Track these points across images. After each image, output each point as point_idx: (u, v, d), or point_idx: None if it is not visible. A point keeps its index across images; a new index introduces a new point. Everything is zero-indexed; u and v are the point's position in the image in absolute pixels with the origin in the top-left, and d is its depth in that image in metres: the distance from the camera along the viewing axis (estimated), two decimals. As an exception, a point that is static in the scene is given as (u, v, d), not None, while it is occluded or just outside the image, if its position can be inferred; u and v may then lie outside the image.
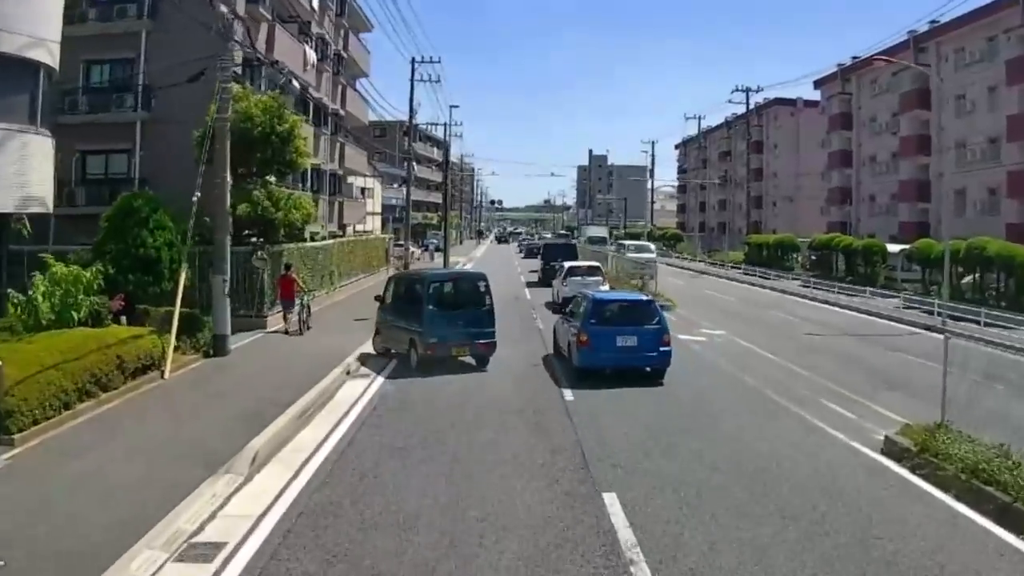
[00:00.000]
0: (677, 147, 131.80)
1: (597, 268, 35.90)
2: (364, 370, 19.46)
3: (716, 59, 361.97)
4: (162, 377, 17.64)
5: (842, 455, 12.43)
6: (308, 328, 25.82)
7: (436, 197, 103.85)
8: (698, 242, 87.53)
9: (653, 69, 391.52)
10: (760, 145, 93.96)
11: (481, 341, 19.48)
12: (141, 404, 15.17)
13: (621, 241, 73.05)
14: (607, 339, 17.86)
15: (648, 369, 18.11)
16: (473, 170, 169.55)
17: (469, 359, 19.91)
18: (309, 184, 40.33)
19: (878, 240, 48.51)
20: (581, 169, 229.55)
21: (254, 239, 26.79)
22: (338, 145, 46.50)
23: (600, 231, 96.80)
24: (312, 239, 39.35)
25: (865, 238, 52.56)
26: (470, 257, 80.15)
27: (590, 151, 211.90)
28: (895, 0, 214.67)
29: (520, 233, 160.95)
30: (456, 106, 68.33)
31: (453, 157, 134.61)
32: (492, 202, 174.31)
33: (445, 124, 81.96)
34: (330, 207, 44.69)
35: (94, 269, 18.36)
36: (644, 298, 20.54)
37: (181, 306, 21.49)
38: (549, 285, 38.37)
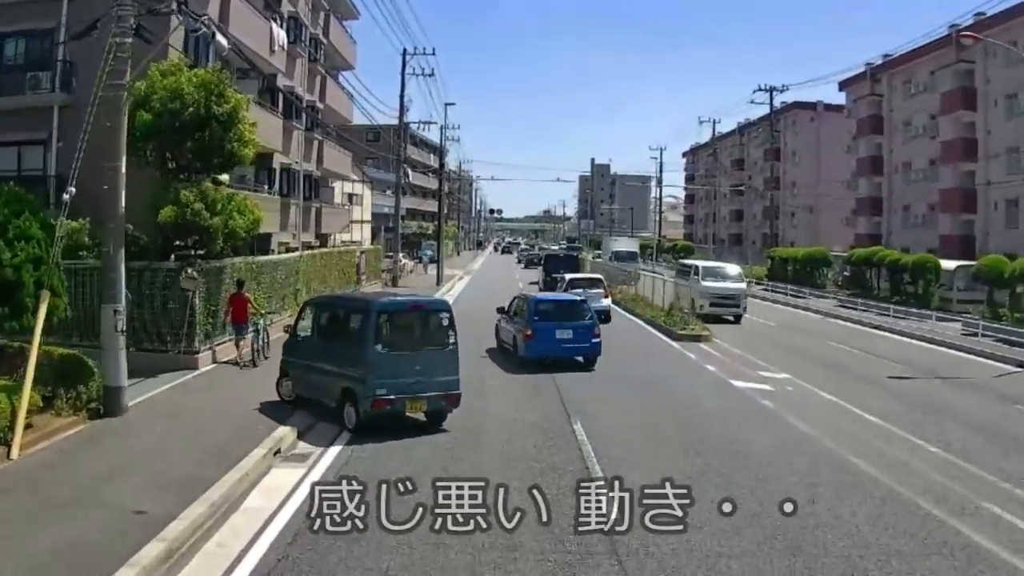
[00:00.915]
0: (685, 155, 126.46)
1: (599, 280, 34.95)
2: (304, 447, 13.57)
3: (717, 68, 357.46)
4: (8, 457, 11.94)
5: None
6: (264, 358, 20.94)
7: (432, 205, 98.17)
8: (712, 255, 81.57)
9: (655, 78, 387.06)
10: (777, 152, 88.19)
11: (443, 392, 14.33)
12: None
13: (688, 261, 44.48)
14: (548, 333, 20.78)
15: (581, 359, 21.14)
16: (472, 178, 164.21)
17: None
18: (277, 186, 34.54)
19: (930, 256, 42.67)
20: (583, 179, 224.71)
21: (195, 251, 21.02)
22: (316, 143, 40.70)
23: (629, 244, 73.73)
24: (287, 250, 33.86)
25: (899, 252, 46.98)
26: (467, 270, 74.45)
27: (592, 160, 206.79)
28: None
29: (519, 244, 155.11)
30: (452, 104, 62.31)
31: (451, 164, 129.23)
32: (491, 211, 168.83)
33: (441, 127, 76.03)
34: (305, 214, 38.88)
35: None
36: (577, 298, 23.67)
37: (65, 345, 15.86)
38: None
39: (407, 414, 14.23)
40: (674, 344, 25.67)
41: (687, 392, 18.06)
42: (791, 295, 47.72)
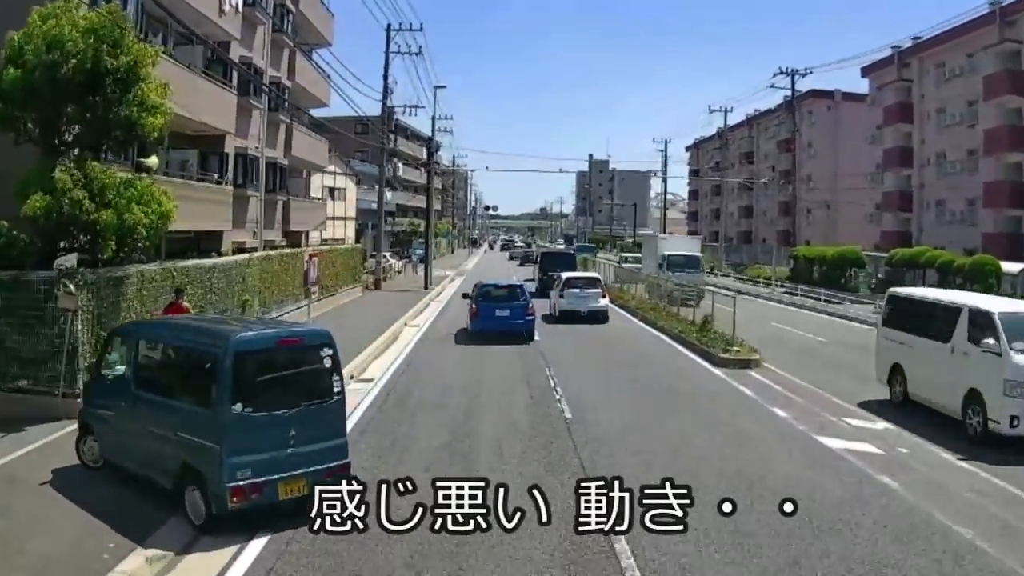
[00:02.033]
0: (688, 149, 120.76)
1: (596, 280, 33.82)
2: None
3: (716, 67, 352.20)
4: None
5: None
6: None
7: (424, 201, 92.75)
8: (723, 255, 76.12)
9: (653, 76, 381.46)
10: (791, 144, 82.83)
11: (328, 465, 9.64)
12: None
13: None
14: (489, 311, 25.57)
15: (524, 333, 25.02)
16: (467, 174, 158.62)
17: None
18: (230, 174, 29.05)
19: (989, 257, 37.29)
20: (581, 175, 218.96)
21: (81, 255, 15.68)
22: (283, 127, 35.22)
23: (687, 246, 50.42)
24: (238, 250, 28.42)
25: (951, 252, 41.81)
26: (460, 270, 69.10)
27: (590, 155, 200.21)
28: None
29: (515, 242, 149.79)
30: (443, 87, 56.90)
31: (444, 158, 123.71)
32: (487, 208, 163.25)
33: (432, 117, 70.74)
34: (269, 208, 33.45)
35: None
36: (515, 283, 28.39)
37: None
38: (546, 296, 34.49)
39: (280, 498, 9.30)
40: (716, 372, 20.24)
41: (761, 458, 12.61)
42: (823, 300, 42.33)
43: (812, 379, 19.48)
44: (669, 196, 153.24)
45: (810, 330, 30.14)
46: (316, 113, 43.99)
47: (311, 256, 17.07)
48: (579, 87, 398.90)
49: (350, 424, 13.30)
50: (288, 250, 30.31)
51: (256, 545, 8.76)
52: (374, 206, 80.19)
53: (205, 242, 26.81)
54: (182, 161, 26.19)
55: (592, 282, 32.68)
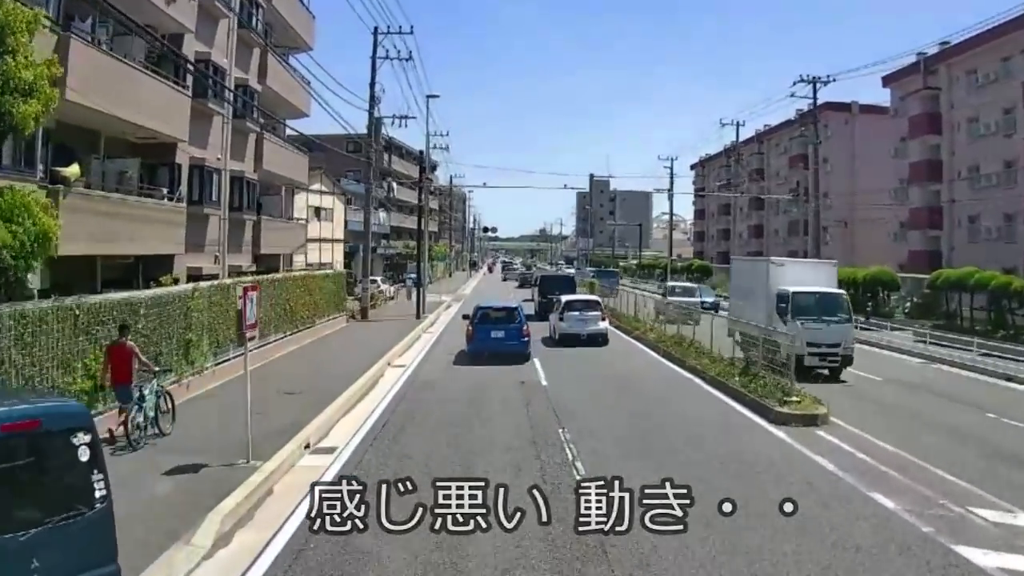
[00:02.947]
0: (693, 167, 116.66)
1: (596, 303, 33.00)
2: None
3: (721, 82, 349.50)
4: None
5: None
6: (161, 434, 14.29)
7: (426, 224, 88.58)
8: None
9: (652, 91, 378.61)
10: (805, 160, 78.85)
11: None
12: None
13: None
14: (485, 332, 25.83)
15: (519, 355, 24.99)
16: (464, 194, 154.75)
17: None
18: (184, 189, 24.89)
19: (1052, 278, 33.11)
20: (581, 195, 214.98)
21: None
22: (251, 138, 31.12)
23: (821, 275, 26.86)
24: (188, 279, 24.23)
25: (978, 271, 37.65)
26: (458, 295, 64.79)
27: (591, 175, 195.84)
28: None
29: (514, 264, 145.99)
30: (435, 96, 52.52)
31: (440, 178, 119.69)
32: (485, 229, 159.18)
33: (428, 139, 66.93)
34: (236, 229, 29.29)
35: None
36: (512, 305, 28.37)
37: None
38: (546, 319, 34.39)
39: None
40: (775, 431, 15.88)
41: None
42: (861, 327, 38.08)
43: (898, 440, 15.15)
44: (666, 217, 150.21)
45: (859, 365, 25.76)
46: (305, 131, 40.02)
47: (247, 290, 12.56)
48: (577, 106, 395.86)
49: (287, 534, 9.16)
50: (261, 277, 26.00)
51: None
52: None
53: (152, 268, 22.58)
54: (120, 173, 22.02)
55: (592, 304, 32.27)
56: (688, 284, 46.68)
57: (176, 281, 22.42)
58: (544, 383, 20.96)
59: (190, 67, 23.49)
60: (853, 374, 23.91)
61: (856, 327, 38.16)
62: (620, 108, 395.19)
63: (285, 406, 17.06)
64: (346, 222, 69.55)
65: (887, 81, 63.05)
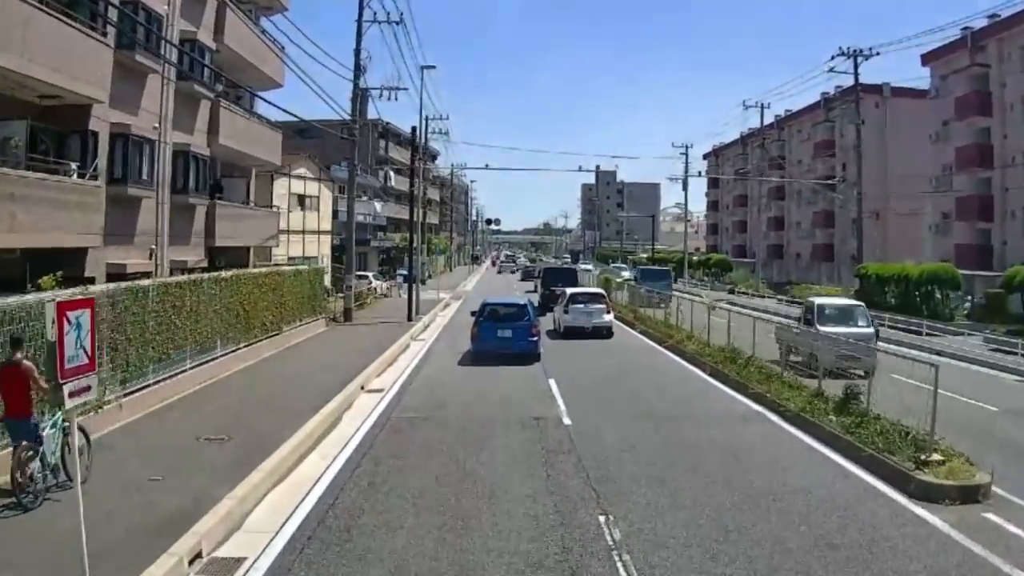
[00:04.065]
0: (706, 156, 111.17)
1: (601, 295, 33.09)
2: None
3: (733, 69, 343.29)
4: None
5: None
6: (67, 481, 10.27)
7: (421, 213, 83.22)
8: (759, 272, 66.41)
9: (662, 79, 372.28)
10: (832, 146, 73.44)
11: None
12: None
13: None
14: (491, 331, 24.00)
15: (527, 355, 23.42)
16: (467, 186, 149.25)
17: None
18: (103, 163, 19.50)
19: None
20: (586, 187, 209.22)
21: None
22: (204, 106, 25.76)
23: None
24: (123, 278, 18.91)
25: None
26: (457, 292, 59.41)
27: (597, 167, 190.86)
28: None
29: (518, 258, 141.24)
30: (431, 67, 46.33)
31: (442, 169, 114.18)
32: (488, 222, 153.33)
33: (422, 118, 61.61)
34: (178, 216, 23.96)
35: None
36: (521, 301, 26.41)
37: None
38: (549, 311, 34.79)
39: None
40: (925, 515, 10.43)
41: None
42: (912, 331, 32.79)
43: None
44: (675, 210, 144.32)
45: (951, 386, 20.07)
46: (293, 116, 34.60)
47: (66, 308, 7.14)
48: (584, 95, 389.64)
49: None
50: (195, 276, 20.56)
51: None
52: (361, 218, 71.36)
53: (50, 266, 17.15)
54: (2, 139, 16.64)
55: (596, 297, 32.23)
56: (841, 301, 27.80)
57: (85, 282, 17.08)
58: (566, 420, 15.51)
59: (112, 6, 18.05)
60: (967, 404, 18.40)
61: (922, 332, 32.98)
62: (631, 96, 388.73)
63: (196, 465, 11.79)
64: (336, 212, 64.33)
65: (927, 59, 57.54)
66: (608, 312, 31.14)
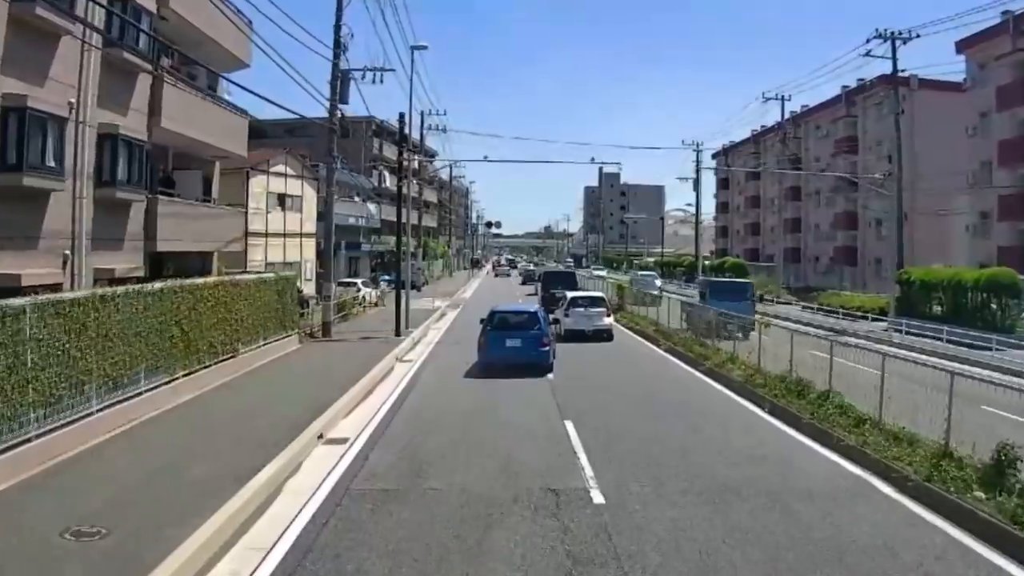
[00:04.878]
0: (715, 156, 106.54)
1: (601, 299, 33.77)
2: None
3: (737, 70, 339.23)
4: None
5: None
6: None
7: (419, 217, 78.84)
8: (780, 276, 61.93)
9: (666, 79, 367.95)
10: (854, 143, 69.00)
11: None
12: None
13: None
14: (500, 340, 22.34)
15: (538, 366, 21.79)
16: (467, 189, 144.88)
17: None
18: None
19: None
20: (588, 190, 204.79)
21: None
22: (142, 80, 21.31)
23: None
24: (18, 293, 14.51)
25: None
26: (455, 300, 55.02)
27: (600, 168, 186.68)
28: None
29: (515, 262, 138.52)
30: (423, 47, 40.78)
31: (440, 169, 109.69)
32: (488, 224, 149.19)
33: (412, 111, 57.68)
34: (106, 215, 19.52)
35: None
36: (531, 309, 25.12)
37: None
38: (551, 312, 31.86)
39: None
40: None
41: None
42: (980, 347, 28.37)
43: None
44: (679, 212, 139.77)
45: None
46: (281, 115, 30.20)
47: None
48: (584, 95, 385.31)
49: None
50: (124, 289, 16.05)
51: None
52: (352, 220, 66.97)
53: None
54: None
55: (596, 301, 32.94)
56: None
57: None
58: (595, 495, 10.96)
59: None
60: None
61: (991, 347, 28.57)
62: (628, 96, 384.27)
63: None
64: (322, 214, 59.93)
65: (962, 47, 53.06)
66: (608, 315, 31.76)
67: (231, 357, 21.05)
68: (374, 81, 32.09)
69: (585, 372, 22.75)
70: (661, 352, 27.86)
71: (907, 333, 34.03)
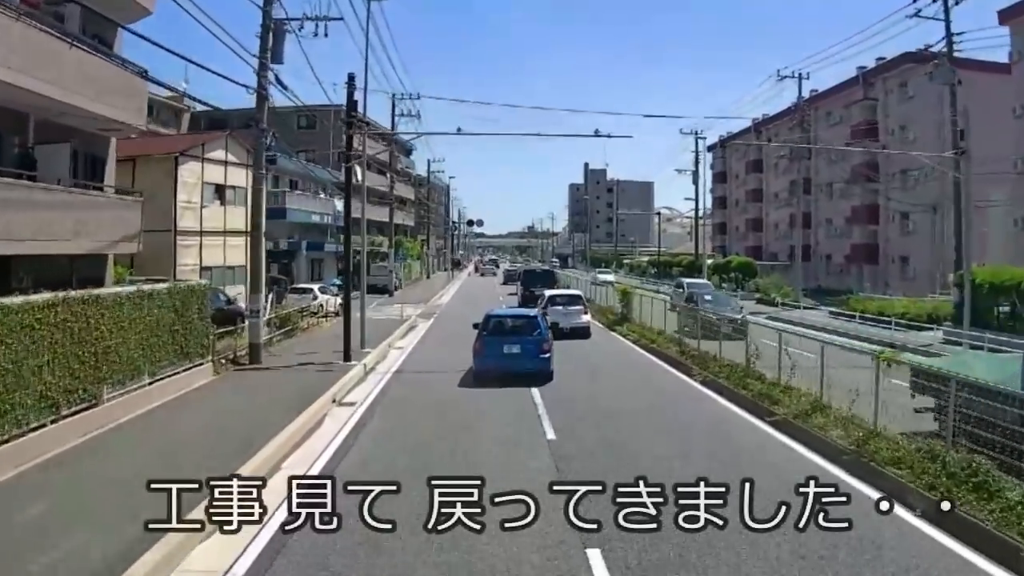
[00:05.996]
0: (711, 148, 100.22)
1: (579, 297, 35.09)
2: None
3: (732, 63, 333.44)
4: None
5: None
6: None
7: (393, 212, 72.19)
8: (800, 277, 55.52)
9: (651, 87, 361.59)
10: (873, 128, 62.80)
11: None
12: None
13: None
14: (496, 347, 21.31)
15: (538, 375, 20.59)
16: (447, 186, 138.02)
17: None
18: None
19: None
20: (574, 187, 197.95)
21: None
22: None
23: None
24: None
25: None
26: (432, 306, 48.36)
27: (586, 164, 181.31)
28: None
29: (498, 263, 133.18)
30: None
31: (417, 166, 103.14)
32: (471, 223, 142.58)
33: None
34: None
35: None
36: (531, 313, 24.31)
37: None
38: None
39: None
40: None
41: None
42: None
43: None
44: (668, 211, 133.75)
45: None
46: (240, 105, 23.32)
47: None
48: (574, 94, 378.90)
49: None
50: None
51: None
52: (316, 218, 60.13)
53: None
54: None
55: (574, 299, 34.10)
56: None
57: None
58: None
59: None
60: None
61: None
62: (618, 91, 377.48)
63: None
64: (285, 210, 53.14)
65: (1006, 17, 47.00)
66: (585, 313, 32.98)
67: (88, 407, 14.40)
68: (316, 34, 25.19)
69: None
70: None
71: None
